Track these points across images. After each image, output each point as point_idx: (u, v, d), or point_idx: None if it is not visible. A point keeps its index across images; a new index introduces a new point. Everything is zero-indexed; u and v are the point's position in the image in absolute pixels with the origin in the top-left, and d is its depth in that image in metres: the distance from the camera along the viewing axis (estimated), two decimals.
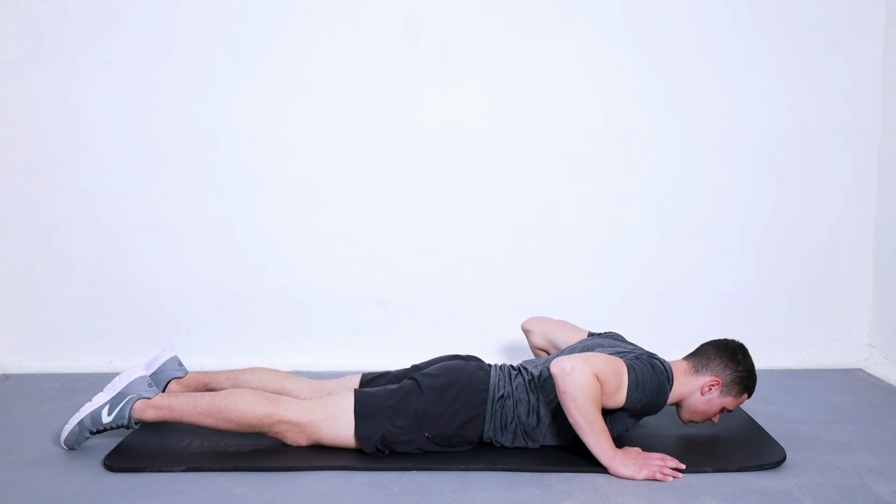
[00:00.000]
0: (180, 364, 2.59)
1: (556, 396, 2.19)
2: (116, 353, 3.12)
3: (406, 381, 2.30)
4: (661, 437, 2.40)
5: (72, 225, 3.14)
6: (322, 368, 3.09)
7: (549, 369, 2.23)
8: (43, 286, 3.16)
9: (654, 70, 3.16)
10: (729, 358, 2.33)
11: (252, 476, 2.12)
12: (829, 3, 3.15)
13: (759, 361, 3.19)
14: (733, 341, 2.39)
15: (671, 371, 2.30)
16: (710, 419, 2.37)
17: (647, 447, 2.23)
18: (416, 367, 2.46)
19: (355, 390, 2.29)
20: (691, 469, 2.15)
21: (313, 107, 3.14)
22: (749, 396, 2.37)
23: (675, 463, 2.15)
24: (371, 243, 3.19)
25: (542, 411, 2.26)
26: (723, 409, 2.35)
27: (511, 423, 2.27)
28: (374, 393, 2.28)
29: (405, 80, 3.14)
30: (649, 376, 2.21)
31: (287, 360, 3.03)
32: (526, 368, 2.36)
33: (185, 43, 3.10)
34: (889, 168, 3.16)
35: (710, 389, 2.31)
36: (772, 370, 3.18)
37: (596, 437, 2.12)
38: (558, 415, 2.22)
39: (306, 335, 3.21)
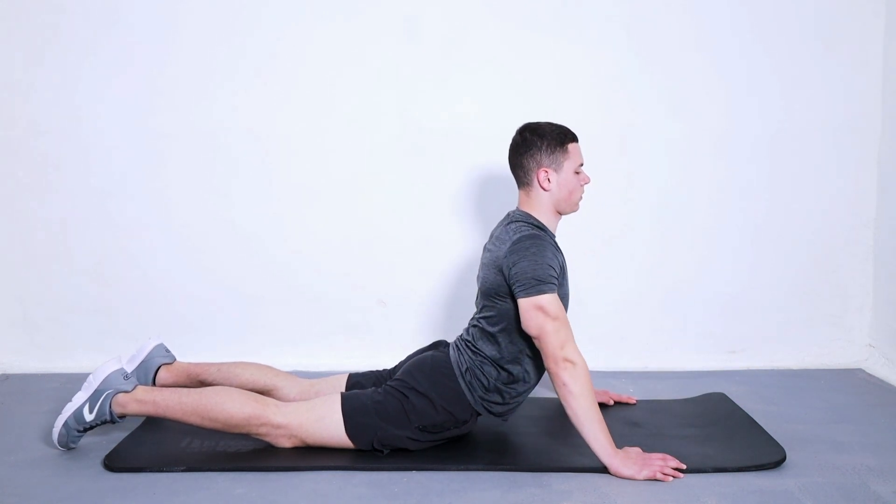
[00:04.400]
0: (167, 350, 2.60)
1: (499, 345, 2.29)
2: (117, 353, 3.10)
3: (386, 386, 2.32)
4: (660, 438, 2.40)
5: (73, 224, 3.14)
6: (322, 368, 3.09)
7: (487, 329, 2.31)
8: (43, 286, 3.16)
9: (654, 71, 3.17)
10: (528, 146, 2.34)
11: (252, 476, 2.13)
12: (830, 3, 3.15)
13: (760, 361, 3.22)
14: (515, 135, 2.39)
15: (531, 216, 2.33)
16: (581, 187, 2.36)
17: (647, 447, 2.23)
18: (391, 373, 2.49)
19: (342, 393, 2.30)
20: (691, 469, 2.14)
21: (315, 108, 3.14)
22: (573, 140, 2.36)
23: (675, 463, 2.14)
24: (371, 243, 3.20)
25: (501, 362, 2.29)
26: (576, 173, 2.35)
27: (490, 385, 2.29)
28: (361, 392, 2.31)
29: (406, 81, 3.14)
30: (541, 260, 2.20)
31: (287, 360, 3.03)
32: (466, 333, 2.40)
33: (193, 44, 3.10)
34: (889, 168, 3.16)
35: (548, 180, 2.33)
36: (772, 370, 3.18)
37: (595, 431, 2.12)
38: (519, 355, 2.29)
39: (306, 335, 3.21)
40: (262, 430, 2.22)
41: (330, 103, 3.14)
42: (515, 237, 2.26)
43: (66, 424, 2.25)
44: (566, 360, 2.13)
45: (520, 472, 2.17)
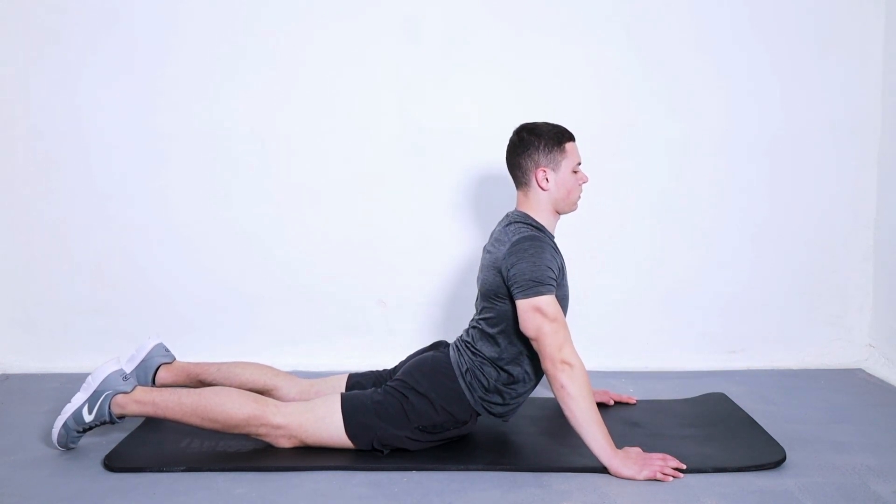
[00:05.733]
0: (167, 350, 2.60)
1: (499, 346, 2.28)
2: (117, 353, 3.11)
3: (386, 386, 2.32)
4: (660, 437, 2.40)
5: (72, 224, 3.14)
6: (322, 368, 3.08)
7: (488, 330, 2.31)
8: (43, 286, 3.16)
9: (654, 71, 3.17)
10: (525, 146, 2.33)
11: (252, 476, 2.13)
12: (830, 3, 3.15)
13: (759, 361, 3.22)
14: (512, 136, 2.39)
15: (529, 217, 2.33)
16: (579, 186, 2.36)
17: (647, 447, 2.23)
18: (391, 373, 2.49)
19: (342, 393, 2.30)
20: (691, 469, 2.14)
21: (315, 108, 3.14)
22: (570, 139, 2.35)
23: (675, 463, 2.14)
24: (371, 243, 3.20)
25: (501, 363, 2.29)
26: (574, 171, 2.34)
27: (490, 385, 2.29)
28: (361, 392, 2.31)
29: (406, 81, 3.14)
30: (540, 262, 2.20)
31: (287, 360, 3.03)
32: (466, 334, 2.40)
33: (193, 44, 3.11)
34: (889, 168, 3.16)
35: (546, 179, 2.32)
36: (772, 370, 3.18)
37: (594, 433, 2.12)
38: (519, 356, 2.29)
39: (306, 335, 3.21)
40: (262, 430, 2.22)
41: (330, 103, 3.14)
42: (514, 238, 2.25)
43: (65, 425, 2.25)
44: (564, 361, 2.13)
45: (520, 472, 2.17)
